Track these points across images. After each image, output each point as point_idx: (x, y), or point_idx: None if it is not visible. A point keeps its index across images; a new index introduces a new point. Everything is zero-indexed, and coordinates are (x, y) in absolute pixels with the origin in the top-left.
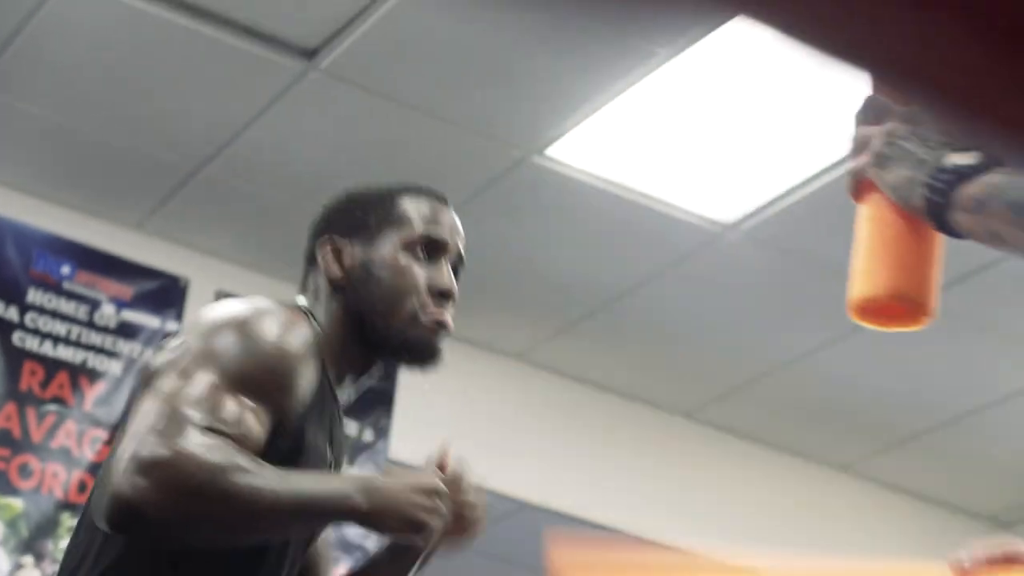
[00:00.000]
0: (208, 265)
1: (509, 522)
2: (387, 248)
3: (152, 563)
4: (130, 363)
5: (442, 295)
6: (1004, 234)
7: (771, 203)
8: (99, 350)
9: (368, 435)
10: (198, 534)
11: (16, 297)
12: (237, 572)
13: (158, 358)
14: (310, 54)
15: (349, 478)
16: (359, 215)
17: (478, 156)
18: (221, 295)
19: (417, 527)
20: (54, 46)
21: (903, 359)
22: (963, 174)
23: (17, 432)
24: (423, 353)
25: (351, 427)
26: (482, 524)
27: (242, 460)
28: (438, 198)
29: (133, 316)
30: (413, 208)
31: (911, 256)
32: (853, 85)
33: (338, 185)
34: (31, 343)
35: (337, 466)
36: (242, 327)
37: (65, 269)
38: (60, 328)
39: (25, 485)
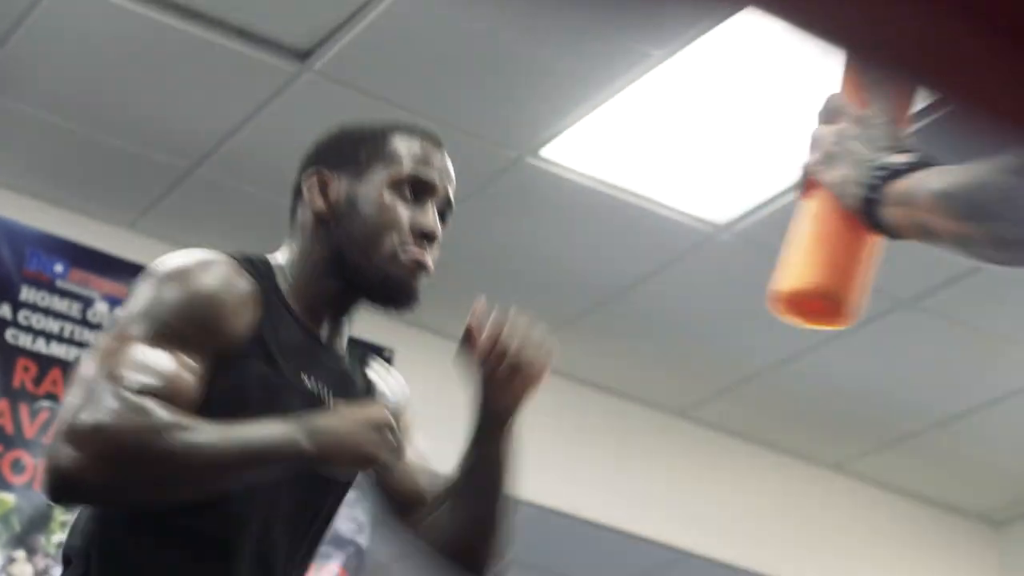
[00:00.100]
0: None
1: None
2: (374, 184)
3: (134, 523)
4: None
5: (424, 236)
6: (932, 225)
7: (764, 204)
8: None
9: None
10: (139, 496)
11: (9, 295)
12: (225, 523)
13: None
14: (303, 55)
15: (293, 421)
16: (349, 149)
17: (472, 157)
18: None
19: (366, 464)
20: (48, 47)
21: (895, 360)
22: (896, 171)
23: (10, 428)
24: (399, 292)
25: None
26: (544, 367)
27: (173, 418)
28: (432, 139)
29: None
30: (404, 147)
31: (842, 255)
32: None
33: None
34: (24, 340)
35: (342, 396)
36: (164, 281)
37: (58, 267)
38: (53, 325)
39: (18, 480)
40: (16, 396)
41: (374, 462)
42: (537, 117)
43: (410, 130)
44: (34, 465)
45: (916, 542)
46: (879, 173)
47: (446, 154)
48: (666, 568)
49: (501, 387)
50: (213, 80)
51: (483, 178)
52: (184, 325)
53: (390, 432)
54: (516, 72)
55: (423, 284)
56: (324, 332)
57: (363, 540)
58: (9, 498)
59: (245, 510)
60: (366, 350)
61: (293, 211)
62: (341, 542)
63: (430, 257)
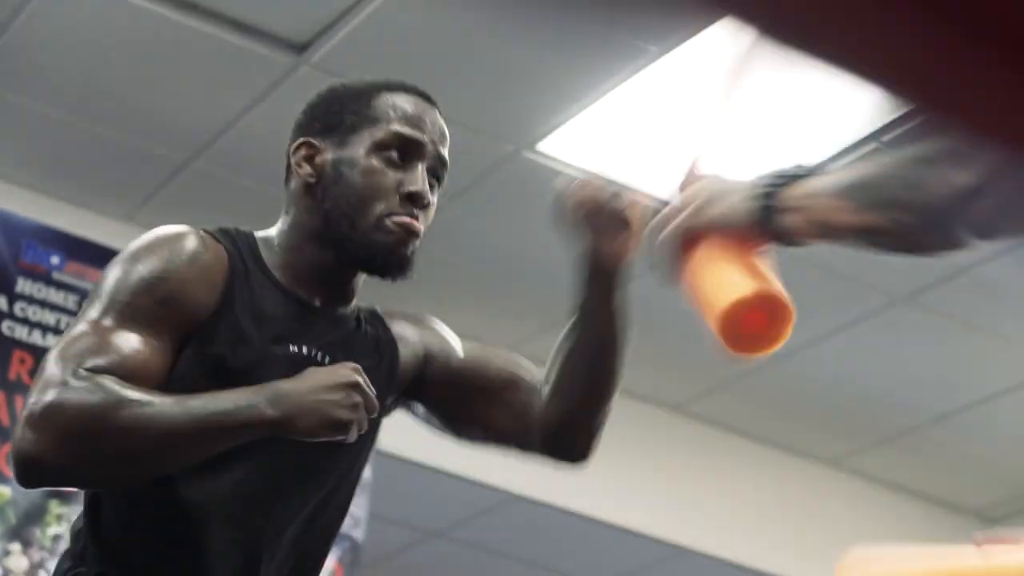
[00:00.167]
0: None
1: (498, 514)
2: (358, 148)
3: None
4: None
5: (411, 199)
6: (833, 221)
7: None
8: None
9: None
10: (104, 474)
11: (6, 287)
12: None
13: None
14: (300, 48)
15: (257, 388)
16: (334, 113)
17: (469, 151)
18: None
19: (334, 426)
20: (45, 39)
21: (892, 356)
22: (792, 176)
23: (6, 420)
24: (388, 261)
25: None
26: (640, 220)
27: (128, 393)
28: (420, 95)
29: None
30: (390, 105)
31: (753, 268)
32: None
33: None
34: (20, 332)
35: (343, 359)
36: (127, 260)
37: (55, 259)
38: (49, 318)
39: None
40: (12, 388)
41: (342, 427)
42: (534, 111)
43: (396, 87)
44: None
45: (912, 538)
46: (773, 182)
47: (438, 112)
48: (661, 564)
49: (604, 239)
50: (210, 72)
51: (480, 172)
52: (144, 302)
53: (358, 392)
54: (513, 66)
55: (414, 250)
56: (319, 300)
57: (358, 535)
58: (5, 491)
59: (221, 487)
60: (375, 310)
61: (286, 183)
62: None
63: (421, 221)
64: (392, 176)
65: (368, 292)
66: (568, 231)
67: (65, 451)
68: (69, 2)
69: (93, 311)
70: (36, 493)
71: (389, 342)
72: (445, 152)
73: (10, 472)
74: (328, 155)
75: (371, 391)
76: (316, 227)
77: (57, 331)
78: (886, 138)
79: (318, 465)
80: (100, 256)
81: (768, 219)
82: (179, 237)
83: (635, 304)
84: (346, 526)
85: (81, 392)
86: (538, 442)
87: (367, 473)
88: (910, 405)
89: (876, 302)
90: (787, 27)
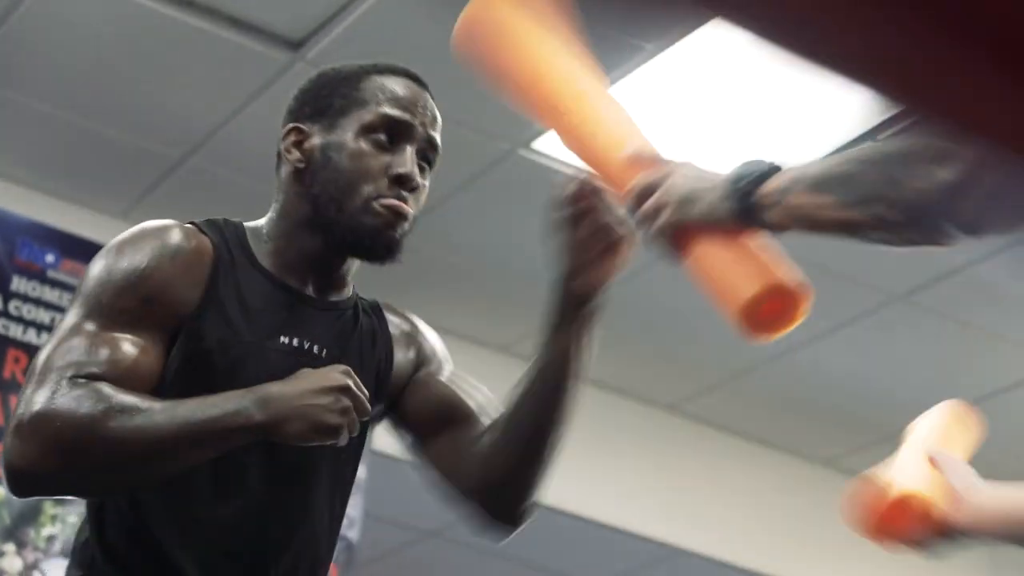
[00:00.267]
0: None
1: None
2: (346, 131)
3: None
4: None
5: (400, 181)
6: (813, 214)
7: None
8: None
9: None
10: (95, 483)
11: (0, 285)
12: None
13: None
14: (296, 45)
15: (246, 392)
16: (323, 97)
17: (464, 149)
18: None
19: (323, 430)
20: (40, 35)
21: (887, 355)
22: (760, 175)
23: (0, 419)
24: (376, 243)
25: None
26: (631, 242)
27: (116, 400)
28: (409, 77)
29: None
30: (379, 87)
31: (756, 258)
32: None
33: None
34: (15, 331)
35: (337, 350)
36: (108, 258)
37: (50, 257)
38: (44, 316)
39: None
40: (6, 387)
41: (330, 431)
42: None
43: (386, 70)
44: None
45: None
46: (743, 183)
47: (429, 95)
48: (656, 564)
49: (587, 257)
50: (205, 69)
51: (475, 170)
52: (129, 302)
53: (349, 396)
54: None
55: (404, 233)
56: (310, 288)
57: (353, 534)
58: None
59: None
60: (375, 302)
61: (277, 171)
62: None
63: (410, 204)
64: (380, 159)
65: (363, 290)
66: (553, 239)
67: (54, 461)
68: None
69: (79, 313)
70: None
71: (386, 339)
72: (436, 135)
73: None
74: (317, 140)
75: (362, 394)
76: (305, 213)
77: (51, 329)
78: (879, 138)
79: (315, 467)
80: (95, 254)
81: (749, 216)
82: (161, 232)
83: (630, 304)
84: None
85: (69, 401)
86: (463, 487)
87: (362, 473)
88: (906, 404)
89: (872, 301)
90: (778, 27)
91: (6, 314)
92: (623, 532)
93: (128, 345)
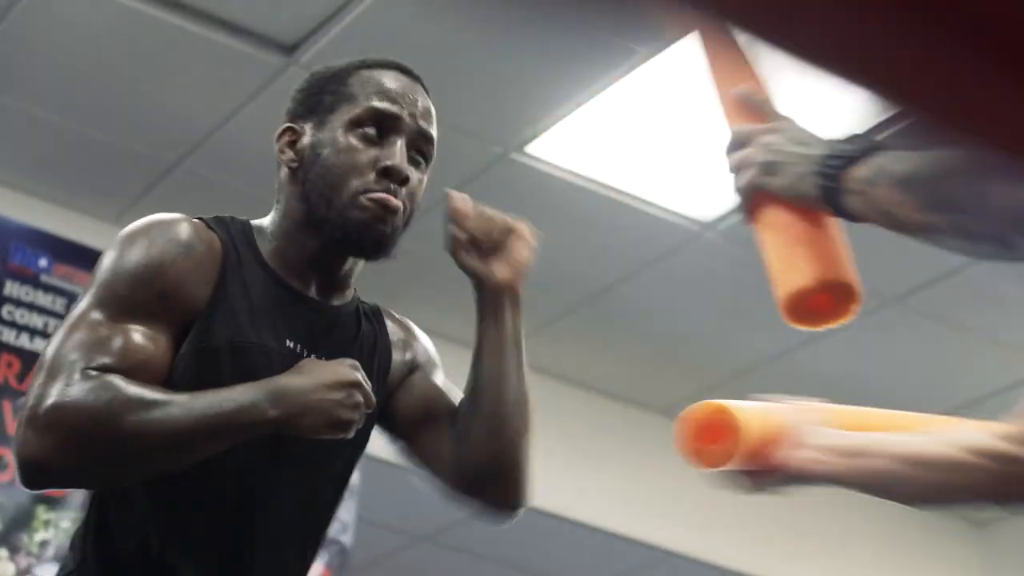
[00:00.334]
0: None
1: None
2: (336, 127)
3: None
4: None
5: (387, 174)
6: (894, 211)
7: None
8: None
9: None
10: (109, 475)
11: None
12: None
13: None
14: (289, 49)
15: (260, 385)
16: (315, 95)
17: (457, 153)
18: None
19: (335, 425)
20: (34, 39)
21: (881, 357)
22: (850, 158)
23: None
24: (364, 238)
25: None
26: (528, 243)
27: (132, 393)
28: (400, 70)
29: None
30: (365, 81)
31: (823, 247)
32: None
33: None
34: (8, 335)
35: (334, 351)
36: (120, 250)
37: (43, 262)
38: (37, 321)
39: (1, 478)
40: (0, 392)
41: (342, 427)
42: (523, 113)
43: (375, 64)
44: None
45: (900, 542)
46: (832, 163)
47: (421, 88)
48: (650, 568)
49: (492, 253)
50: (199, 73)
51: (468, 174)
52: (141, 295)
53: (359, 391)
54: (502, 68)
55: (395, 228)
56: (312, 289)
57: (347, 539)
58: None
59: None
60: (374, 306)
61: (278, 172)
62: (325, 541)
63: (402, 198)
64: (369, 152)
65: (358, 292)
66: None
67: (71, 454)
68: (58, 2)
69: (92, 303)
70: (24, 498)
71: (385, 345)
72: (428, 127)
73: None
74: (308, 138)
75: (370, 388)
76: (301, 213)
77: (45, 335)
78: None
79: (317, 462)
80: (89, 258)
81: (832, 199)
82: (174, 225)
83: (628, 306)
84: (335, 531)
85: (85, 393)
86: (462, 488)
87: (355, 477)
88: (904, 405)
89: (866, 303)
90: (773, 27)
91: None
92: (617, 536)
93: (140, 337)
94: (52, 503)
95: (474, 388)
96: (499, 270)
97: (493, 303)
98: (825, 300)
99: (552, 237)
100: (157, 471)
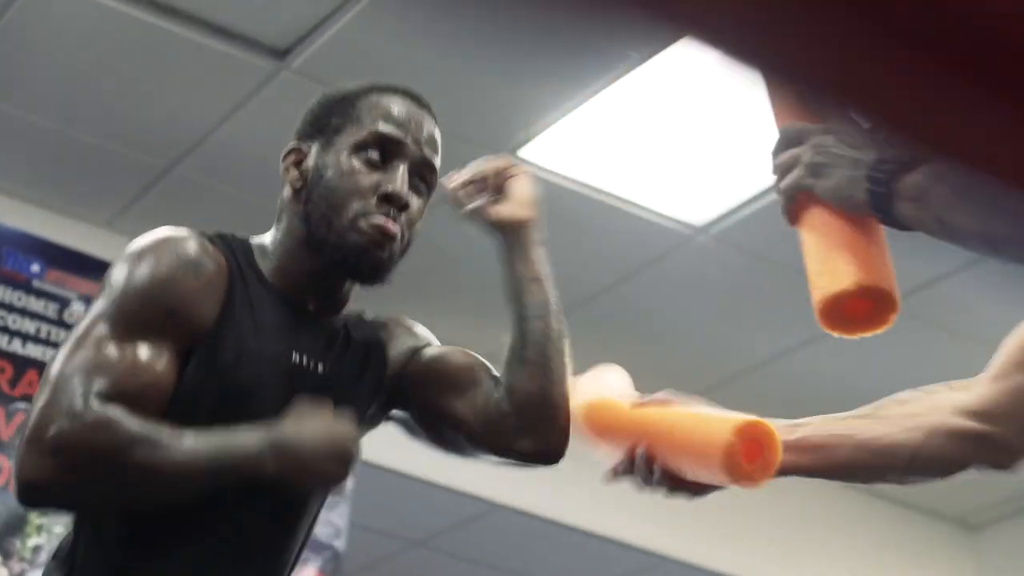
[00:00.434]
0: None
1: (479, 524)
2: (341, 149)
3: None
4: None
5: (388, 199)
6: (948, 219)
7: (742, 206)
8: None
9: None
10: (106, 503)
11: None
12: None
13: None
14: (281, 54)
15: (263, 436)
16: (322, 117)
17: (450, 157)
18: None
19: (329, 481)
20: (25, 44)
21: (873, 362)
22: (903, 163)
23: None
24: (361, 262)
25: None
26: (524, 178)
27: (137, 433)
28: (408, 96)
29: None
30: (372, 105)
31: (865, 252)
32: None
33: None
34: (0, 341)
35: (335, 369)
36: (128, 267)
37: (35, 267)
38: (29, 326)
39: None
40: None
41: (334, 483)
42: (516, 117)
43: (383, 88)
44: (10, 468)
45: (894, 546)
46: (884, 167)
47: (428, 115)
48: (645, 572)
49: (495, 201)
50: (191, 78)
51: None
52: (150, 313)
53: (353, 445)
54: (495, 72)
55: (392, 254)
56: (313, 307)
57: (340, 544)
58: None
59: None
60: (365, 316)
61: (281, 188)
62: (318, 546)
63: (401, 225)
64: (371, 176)
65: (352, 301)
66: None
67: (70, 481)
68: (49, 7)
69: (99, 319)
70: (16, 503)
71: (377, 348)
72: (433, 156)
73: None
74: (313, 159)
75: (359, 447)
76: (303, 232)
77: (37, 340)
78: None
79: (295, 498)
80: (81, 263)
81: (881, 204)
82: (183, 243)
83: (619, 311)
84: (328, 536)
85: (92, 426)
86: (504, 440)
87: (348, 482)
88: None
89: None
90: (743, 47)
91: None
92: (609, 540)
93: (147, 356)
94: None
95: (520, 328)
96: (508, 209)
97: (514, 242)
98: (863, 307)
99: (545, 241)
100: (152, 505)
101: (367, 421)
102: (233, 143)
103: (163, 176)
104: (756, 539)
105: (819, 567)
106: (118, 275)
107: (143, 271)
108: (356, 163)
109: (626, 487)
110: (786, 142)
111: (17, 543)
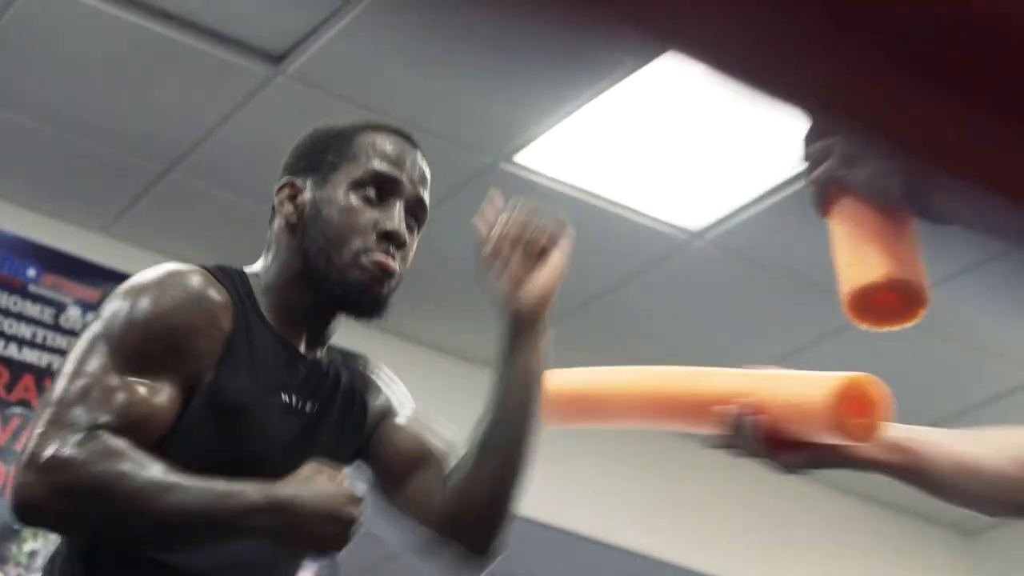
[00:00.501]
0: None
1: None
2: (337, 186)
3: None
4: None
5: (388, 237)
6: (988, 211)
7: (738, 211)
8: (64, 353)
9: None
10: (97, 532)
11: None
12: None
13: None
14: (277, 59)
15: (261, 495)
16: (317, 153)
17: (446, 162)
18: None
19: (327, 546)
20: (21, 49)
21: (871, 367)
22: None
23: None
24: (362, 299)
25: None
26: (556, 245)
27: (132, 472)
28: (402, 136)
29: None
30: (370, 144)
31: (897, 245)
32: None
33: None
34: None
35: (323, 408)
36: (131, 299)
37: (31, 272)
38: (26, 331)
39: None
40: None
41: (333, 547)
42: (512, 123)
43: (379, 128)
44: (6, 472)
45: (891, 551)
46: None
47: (420, 155)
48: None
49: (519, 277)
50: (187, 83)
51: (457, 183)
52: (152, 347)
53: (355, 507)
54: (491, 77)
55: (390, 290)
56: (303, 344)
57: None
58: None
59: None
60: (348, 354)
61: (271, 223)
62: None
63: (397, 261)
64: (369, 214)
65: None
66: (486, 269)
67: (66, 508)
68: (44, 13)
69: (101, 351)
70: None
71: (361, 394)
72: (424, 195)
73: None
74: (309, 194)
75: (362, 510)
76: (298, 267)
77: (33, 345)
78: None
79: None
80: (76, 268)
81: (918, 196)
82: (186, 277)
83: (615, 316)
84: None
85: (89, 459)
86: (438, 525)
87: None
88: (895, 414)
89: None
90: (725, 59)
91: None
92: (609, 546)
93: (147, 391)
94: None
95: (494, 430)
96: (537, 291)
97: (528, 329)
98: (892, 299)
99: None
100: (143, 544)
101: (348, 462)
102: (229, 148)
103: (159, 181)
104: (751, 544)
105: (818, 572)
106: (120, 308)
107: (144, 305)
108: (354, 200)
109: (626, 489)
110: (818, 132)
111: (13, 548)
